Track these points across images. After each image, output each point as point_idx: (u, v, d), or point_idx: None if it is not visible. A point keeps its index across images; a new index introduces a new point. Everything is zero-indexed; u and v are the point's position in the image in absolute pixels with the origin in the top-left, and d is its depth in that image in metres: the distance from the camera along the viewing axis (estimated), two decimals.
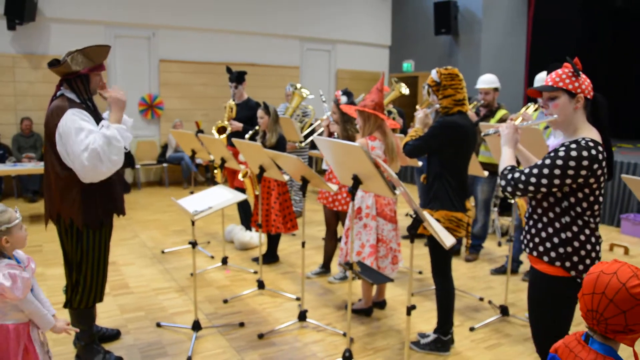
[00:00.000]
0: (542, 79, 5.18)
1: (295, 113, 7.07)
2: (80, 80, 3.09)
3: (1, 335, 2.35)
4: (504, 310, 4.20)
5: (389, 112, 6.08)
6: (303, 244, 3.95)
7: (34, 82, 8.70)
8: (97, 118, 3.17)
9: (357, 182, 3.12)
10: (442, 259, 3.46)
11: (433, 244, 3.38)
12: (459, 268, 5.44)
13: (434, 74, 3.35)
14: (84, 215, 3.09)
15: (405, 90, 5.92)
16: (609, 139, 2.37)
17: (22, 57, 8.63)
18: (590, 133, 2.31)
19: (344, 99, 4.57)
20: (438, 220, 3.30)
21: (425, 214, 2.74)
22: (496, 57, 10.38)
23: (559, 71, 2.35)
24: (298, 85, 6.95)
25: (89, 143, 2.89)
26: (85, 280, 3.18)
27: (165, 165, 9.85)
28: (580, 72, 2.33)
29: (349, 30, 11.94)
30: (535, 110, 5.13)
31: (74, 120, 2.94)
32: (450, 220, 3.32)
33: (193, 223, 3.61)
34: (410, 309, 2.71)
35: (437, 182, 3.36)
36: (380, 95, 3.84)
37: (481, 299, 4.59)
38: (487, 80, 5.40)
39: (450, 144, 3.31)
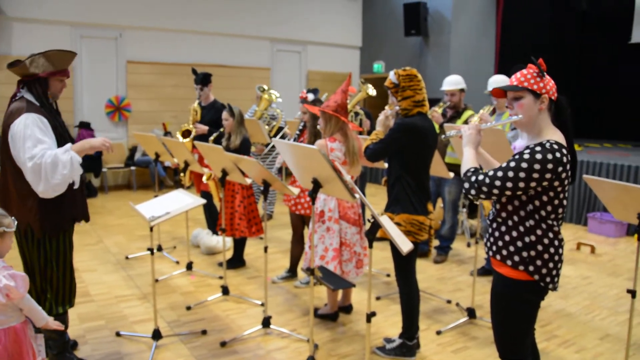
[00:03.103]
0: (495, 81, 5.23)
1: (263, 116, 6.99)
2: (38, 84, 3.02)
3: (10, 337, 2.38)
4: (471, 313, 4.18)
5: (356, 114, 6.04)
6: (265, 249, 3.87)
7: None
8: (57, 122, 3.08)
9: (317, 185, 3.06)
10: (405, 263, 3.42)
11: (395, 247, 3.34)
12: (427, 270, 5.42)
13: (392, 76, 3.30)
14: (42, 222, 2.99)
15: (372, 91, 5.87)
16: (572, 141, 2.36)
17: None
18: (555, 135, 2.28)
19: (310, 96, 4.54)
20: (399, 224, 3.26)
21: (385, 218, 2.69)
22: (466, 58, 10.45)
23: (524, 71, 2.33)
24: (266, 87, 6.87)
25: (36, 155, 2.82)
26: (52, 286, 3.09)
27: (133, 168, 9.67)
28: (545, 73, 2.31)
29: (319, 31, 11.89)
30: (493, 113, 5.15)
31: (27, 126, 2.86)
32: (412, 223, 3.28)
33: (151, 229, 3.52)
34: (370, 315, 2.66)
35: (398, 184, 3.32)
36: (344, 97, 3.78)
37: (449, 302, 4.57)
38: (452, 82, 5.39)
39: (410, 145, 3.26)
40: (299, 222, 4.83)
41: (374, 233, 2.56)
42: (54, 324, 2.56)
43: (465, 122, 5.29)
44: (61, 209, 3.06)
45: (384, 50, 11.95)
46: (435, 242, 5.94)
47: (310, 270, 3.13)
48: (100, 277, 5.07)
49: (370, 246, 2.59)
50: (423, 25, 10.58)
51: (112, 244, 6.22)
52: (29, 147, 2.82)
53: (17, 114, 2.91)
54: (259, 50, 11.19)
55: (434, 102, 5.51)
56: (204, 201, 3.69)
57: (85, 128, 9.17)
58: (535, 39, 11.35)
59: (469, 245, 6.32)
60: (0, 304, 2.32)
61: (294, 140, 5.09)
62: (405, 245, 2.48)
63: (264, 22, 11.08)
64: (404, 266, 3.43)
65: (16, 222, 2.48)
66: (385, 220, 2.64)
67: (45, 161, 2.81)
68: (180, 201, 3.63)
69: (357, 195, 2.64)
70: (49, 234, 3.03)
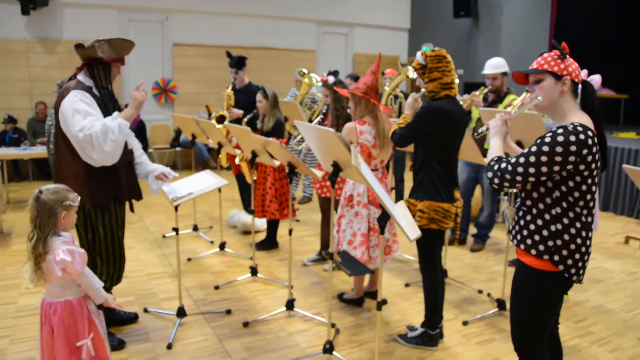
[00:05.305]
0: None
1: (304, 100, 6.95)
2: (101, 67, 3.21)
3: (67, 310, 2.45)
4: (501, 304, 4.04)
5: (396, 97, 5.91)
6: (290, 232, 3.84)
7: (49, 66, 8.75)
8: (115, 107, 3.27)
9: (337, 168, 2.99)
10: (429, 251, 3.32)
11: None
12: (463, 258, 5.28)
13: (419, 57, 3.16)
14: (91, 197, 3.15)
15: (412, 74, 5.73)
16: (601, 126, 2.22)
17: (36, 41, 8.68)
18: (580, 118, 2.17)
19: (331, 79, 4.46)
20: (422, 210, 3.16)
21: (400, 204, 2.61)
22: (518, 41, 10.03)
23: (545, 54, 2.27)
24: (306, 71, 6.81)
25: (85, 126, 2.97)
26: (102, 260, 3.27)
27: (178, 149, 9.86)
28: (567, 56, 2.23)
29: (366, 13, 11.70)
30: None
31: (74, 101, 3.03)
32: (436, 211, 3.16)
33: (176, 209, 3.56)
34: (380, 304, 2.59)
35: (423, 170, 3.20)
36: (374, 79, 3.67)
37: (480, 292, 4.43)
38: (494, 65, 5.16)
39: (436, 130, 3.13)
40: (327, 205, 4.78)
41: (385, 219, 2.48)
42: (113, 303, 2.59)
43: (509, 107, 5.08)
44: (106, 185, 3.20)
45: (433, 32, 11.64)
46: (473, 230, 5.77)
47: (329, 255, 3.09)
48: (137, 255, 5.19)
49: (382, 232, 2.51)
50: (473, 7, 10.25)
51: (152, 222, 6.37)
52: (78, 120, 2.98)
53: (65, 93, 3.08)
54: (305, 33, 11.12)
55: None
56: (226, 182, 3.69)
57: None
58: (596, 20, 10.75)
59: (509, 233, 6.09)
60: (57, 277, 2.38)
61: (318, 124, 5.03)
62: (413, 232, 2.39)
63: (310, 4, 11.00)
64: (428, 254, 3.33)
65: (79, 199, 2.52)
66: (400, 207, 2.55)
67: (96, 131, 2.96)
68: (204, 182, 3.66)
69: (368, 181, 2.55)
70: (100, 207, 3.19)
